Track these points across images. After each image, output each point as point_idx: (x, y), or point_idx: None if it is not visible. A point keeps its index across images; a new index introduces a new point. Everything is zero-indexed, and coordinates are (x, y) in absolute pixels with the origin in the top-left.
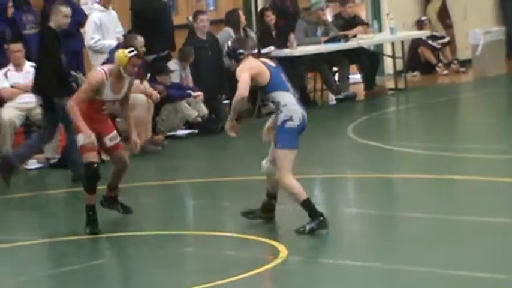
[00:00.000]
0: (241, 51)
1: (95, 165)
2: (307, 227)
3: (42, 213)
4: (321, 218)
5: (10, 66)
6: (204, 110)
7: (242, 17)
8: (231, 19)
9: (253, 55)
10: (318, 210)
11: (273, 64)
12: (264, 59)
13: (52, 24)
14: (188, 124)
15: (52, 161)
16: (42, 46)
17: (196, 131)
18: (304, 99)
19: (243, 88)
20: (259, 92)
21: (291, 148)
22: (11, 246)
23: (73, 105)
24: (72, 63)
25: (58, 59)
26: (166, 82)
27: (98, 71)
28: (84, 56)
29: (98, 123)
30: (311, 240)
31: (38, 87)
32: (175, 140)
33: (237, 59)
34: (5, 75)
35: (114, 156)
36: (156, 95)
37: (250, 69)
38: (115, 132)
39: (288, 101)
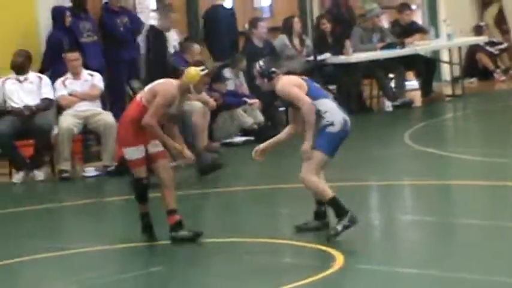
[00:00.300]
0: (273, 69)
1: (145, 181)
2: (339, 227)
3: (99, 220)
4: (350, 214)
5: (68, 75)
6: (260, 118)
7: (298, 25)
8: (286, 26)
9: (284, 73)
10: (345, 207)
11: (303, 77)
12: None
13: (157, 24)
14: (244, 131)
15: (109, 169)
16: (149, 45)
17: (252, 138)
18: (360, 106)
19: (305, 99)
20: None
21: (326, 152)
22: (69, 254)
23: (153, 124)
24: (128, 72)
25: (166, 56)
26: (222, 90)
27: (171, 85)
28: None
29: (145, 133)
30: (367, 248)
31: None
32: (232, 147)
33: (270, 77)
34: (63, 83)
35: (157, 165)
36: (212, 102)
37: (292, 83)
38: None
39: (329, 107)
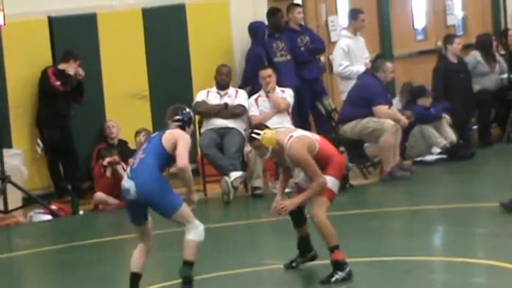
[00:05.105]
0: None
1: None
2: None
3: (291, 237)
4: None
5: (261, 92)
6: (452, 137)
7: (493, 42)
8: (481, 43)
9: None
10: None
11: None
12: None
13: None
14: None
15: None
16: None
17: (444, 156)
18: None
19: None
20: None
21: None
22: (262, 270)
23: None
24: (312, 92)
25: None
26: (426, 104)
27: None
28: (322, 82)
29: None
30: None
31: None
32: (424, 165)
33: (190, 127)
34: (256, 101)
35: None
36: (404, 120)
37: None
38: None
39: None
